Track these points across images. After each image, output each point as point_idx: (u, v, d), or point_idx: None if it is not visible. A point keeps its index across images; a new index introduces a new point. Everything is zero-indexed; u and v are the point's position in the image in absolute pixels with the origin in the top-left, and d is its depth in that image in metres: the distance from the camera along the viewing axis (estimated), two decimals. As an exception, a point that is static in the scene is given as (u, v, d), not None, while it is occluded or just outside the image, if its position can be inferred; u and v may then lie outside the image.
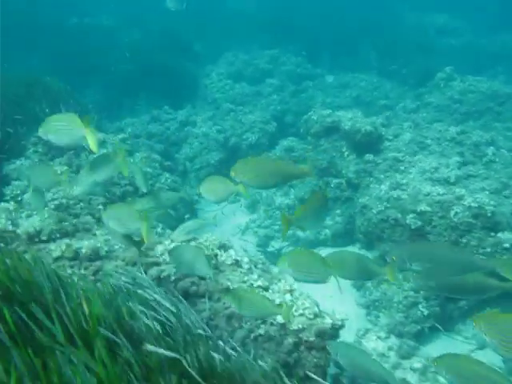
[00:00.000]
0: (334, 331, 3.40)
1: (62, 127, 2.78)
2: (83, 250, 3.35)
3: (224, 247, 4.14)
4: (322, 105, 11.65)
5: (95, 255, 3.61)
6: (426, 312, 4.82)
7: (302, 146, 8.37)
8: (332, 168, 7.86)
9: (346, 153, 7.84)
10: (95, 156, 3.28)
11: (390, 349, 4.48)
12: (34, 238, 3.42)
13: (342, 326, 3.40)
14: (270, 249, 6.84)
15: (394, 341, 4.61)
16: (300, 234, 7.38)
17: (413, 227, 5.36)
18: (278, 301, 3.65)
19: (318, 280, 2.92)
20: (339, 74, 13.57)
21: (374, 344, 4.52)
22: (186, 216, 6.90)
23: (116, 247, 3.79)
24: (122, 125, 9.70)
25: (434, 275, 2.78)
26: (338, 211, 7.47)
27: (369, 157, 7.36)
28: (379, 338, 4.61)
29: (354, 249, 6.98)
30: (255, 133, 9.57)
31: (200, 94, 12.05)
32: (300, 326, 3.42)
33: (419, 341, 4.74)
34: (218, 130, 9.62)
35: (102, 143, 6.72)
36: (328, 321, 3.39)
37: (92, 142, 2.76)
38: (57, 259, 3.44)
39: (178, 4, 13.03)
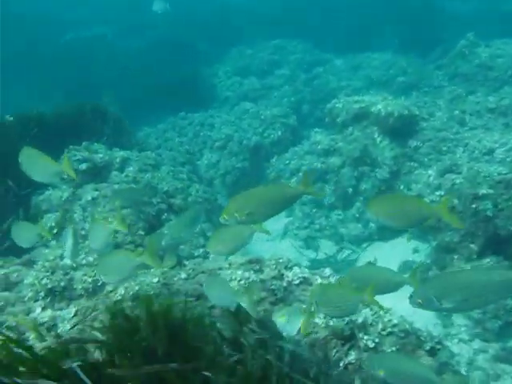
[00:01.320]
0: (433, 351, 3.03)
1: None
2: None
3: (287, 266, 3.78)
4: (336, 89, 11.24)
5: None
6: (507, 304, 4.42)
7: (332, 137, 7.92)
8: (366, 157, 7.44)
9: (379, 139, 7.41)
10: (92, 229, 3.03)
11: (476, 353, 4.10)
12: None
13: (440, 344, 3.03)
14: (319, 256, 6.42)
15: (479, 343, 4.21)
16: (343, 230, 7.01)
17: (475, 213, 4.94)
18: (360, 320, 3.30)
19: (349, 313, 2.69)
20: (348, 57, 13.08)
21: (457, 349, 4.14)
22: (223, 226, 6.55)
23: (175, 279, 3.45)
24: (140, 137, 9.34)
25: (471, 307, 2.41)
26: (380, 202, 7.06)
27: (407, 140, 6.94)
28: (461, 340, 4.23)
29: (403, 240, 6.60)
30: (276, 129, 9.16)
31: (211, 95, 11.67)
32: (393, 349, 3.06)
33: (504, 338, 4.35)
34: (236, 130, 9.24)
35: (126, 160, 6.39)
36: (424, 340, 3.02)
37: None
38: (117, 302, 3.11)
39: (162, 6, 12.70)
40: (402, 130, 7.12)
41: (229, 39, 14.28)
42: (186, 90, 11.26)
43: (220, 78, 12.20)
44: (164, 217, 5.76)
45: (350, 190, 7.34)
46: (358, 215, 7.24)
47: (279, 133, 9.08)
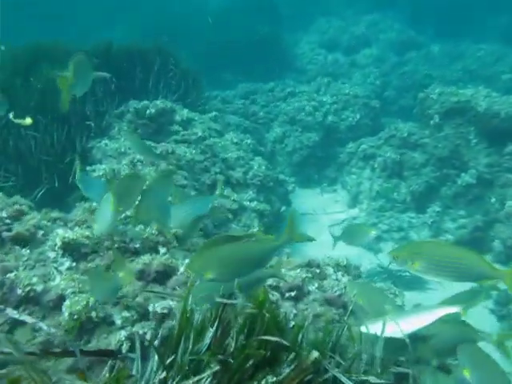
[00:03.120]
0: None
1: None
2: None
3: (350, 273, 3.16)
4: (427, 78, 10.12)
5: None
6: None
7: (418, 130, 7.01)
8: (455, 159, 6.51)
9: (475, 140, 6.43)
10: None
11: None
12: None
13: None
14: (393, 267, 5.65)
15: None
16: (413, 235, 6.21)
17: None
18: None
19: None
20: (447, 43, 11.77)
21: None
22: (282, 209, 5.98)
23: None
24: (208, 98, 8.86)
25: None
26: (462, 212, 6.16)
27: (508, 148, 5.93)
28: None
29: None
30: (356, 111, 8.31)
31: (289, 65, 10.93)
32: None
33: None
34: (312, 106, 8.48)
35: (189, 121, 5.93)
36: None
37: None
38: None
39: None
40: (505, 134, 6.09)
41: (316, 8, 13.34)
42: (264, 56, 10.59)
43: (302, 48, 11.41)
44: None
45: (430, 191, 6.49)
46: (430, 222, 6.40)
47: (358, 116, 8.24)
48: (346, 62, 10.96)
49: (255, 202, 5.39)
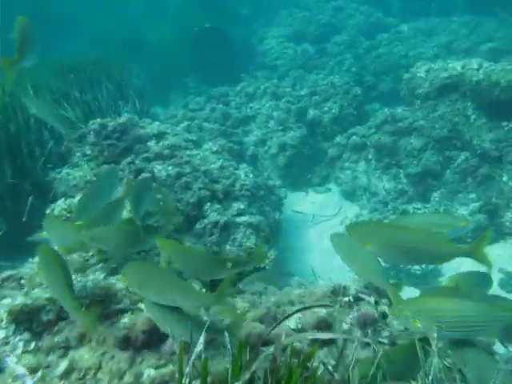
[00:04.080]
0: None
1: None
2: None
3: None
4: (404, 58, 9.67)
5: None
6: None
7: (410, 113, 6.47)
8: (455, 138, 5.99)
9: (473, 116, 5.92)
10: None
11: None
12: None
13: None
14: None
15: None
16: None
17: None
18: None
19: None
20: (417, 20, 11.36)
21: None
22: (276, 216, 5.32)
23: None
24: (175, 109, 8.18)
25: None
26: (473, 195, 5.63)
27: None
28: None
29: (504, 246, 5.18)
30: (337, 101, 7.73)
31: (258, 63, 10.31)
32: None
33: None
34: (290, 102, 7.86)
35: (161, 134, 5.24)
36: None
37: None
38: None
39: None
40: (508, 104, 5.59)
41: (276, 1, 12.78)
42: (230, 58, 9.96)
43: (269, 43, 10.79)
44: (207, 207, 4.61)
45: (433, 178, 5.95)
46: (434, 210, 5.84)
47: (339, 105, 7.64)
48: (316, 52, 10.39)
49: (247, 216, 4.73)
